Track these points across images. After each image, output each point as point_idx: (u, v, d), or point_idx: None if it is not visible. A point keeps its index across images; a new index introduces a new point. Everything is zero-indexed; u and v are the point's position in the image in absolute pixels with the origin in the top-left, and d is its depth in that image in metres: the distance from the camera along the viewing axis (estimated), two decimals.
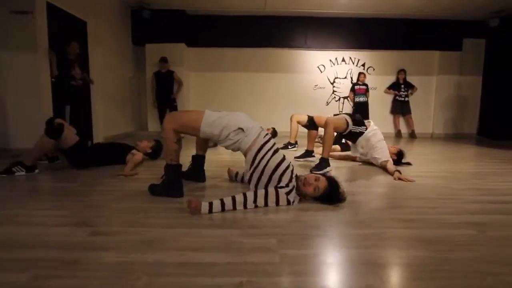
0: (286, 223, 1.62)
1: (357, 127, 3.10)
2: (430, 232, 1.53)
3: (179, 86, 6.41)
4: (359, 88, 6.85)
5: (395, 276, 1.12)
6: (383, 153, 3.12)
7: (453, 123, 7.25)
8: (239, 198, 1.77)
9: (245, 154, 2.00)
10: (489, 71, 6.91)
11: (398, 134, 7.10)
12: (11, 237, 1.39)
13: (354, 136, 3.19)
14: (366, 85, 6.87)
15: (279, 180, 1.89)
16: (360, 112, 6.88)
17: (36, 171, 2.69)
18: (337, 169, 3.06)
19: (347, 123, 3.03)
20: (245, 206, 1.78)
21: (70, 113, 4.33)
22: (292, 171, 1.96)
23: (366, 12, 6.48)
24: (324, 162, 2.84)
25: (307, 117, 4.07)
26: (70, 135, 2.77)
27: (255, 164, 1.93)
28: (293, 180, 1.93)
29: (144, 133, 6.75)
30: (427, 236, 1.47)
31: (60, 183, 2.47)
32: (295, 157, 3.44)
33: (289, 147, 4.49)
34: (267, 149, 1.93)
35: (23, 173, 2.60)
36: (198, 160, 2.43)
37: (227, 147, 2.02)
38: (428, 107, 7.25)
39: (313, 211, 1.81)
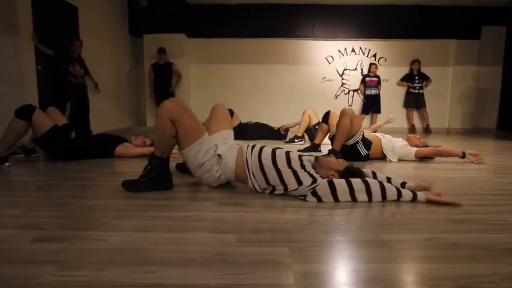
0: (298, 226, 1.23)
1: (362, 146, 2.69)
2: (490, 237, 1.13)
3: (178, 79, 6.07)
4: (370, 80, 6.43)
5: None
6: (407, 146, 2.77)
7: (471, 117, 6.79)
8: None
9: (236, 178, 1.68)
10: (510, 61, 6.43)
11: (412, 129, 6.64)
12: None
13: (355, 155, 2.70)
14: (378, 77, 6.45)
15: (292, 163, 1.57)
16: (371, 105, 6.48)
17: (7, 164, 2.33)
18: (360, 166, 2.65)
19: (360, 131, 2.67)
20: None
21: (71, 110, 4.12)
22: (299, 157, 1.61)
23: None
24: (334, 153, 2.44)
25: (320, 119, 3.67)
26: (44, 121, 2.42)
27: (251, 172, 1.63)
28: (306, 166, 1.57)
29: (142, 128, 6.41)
30: (488, 243, 1.07)
31: (31, 177, 2.11)
32: (299, 150, 3.03)
33: (296, 140, 4.11)
34: (252, 153, 1.65)
35: None
36: None
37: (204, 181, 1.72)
38: (444, 100, 6.79)
39: (331, 208, 1.42)
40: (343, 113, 2.58)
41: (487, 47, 6.58)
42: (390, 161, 2.76)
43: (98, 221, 1.25)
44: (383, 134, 2.98)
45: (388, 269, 0.90)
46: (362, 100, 6.63)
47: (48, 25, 3.94)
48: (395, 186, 1.54)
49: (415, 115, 6.74)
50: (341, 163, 1.67)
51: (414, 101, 6.57)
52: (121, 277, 0.82)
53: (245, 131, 4.36)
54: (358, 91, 6.70)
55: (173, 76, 6.08)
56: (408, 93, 6.63)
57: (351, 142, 2.64)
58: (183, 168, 2.06)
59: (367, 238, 1.11)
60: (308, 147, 3.25)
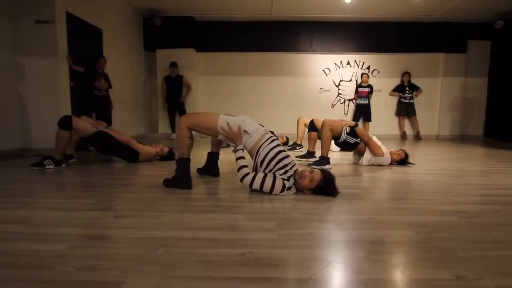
0: (285, 210, 1.80)
1: (350, 137, 3.19)
2: (416, 218, 1.68)
3: (188, 90, 6.66)
4: (361, 91, 6.98)
5: (380, 249, 1.28)
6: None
7: (459, 124, 7.31)
8: (246, 171, 2.07)
9: (249, 152, 2.21)
10: (495, 73, 6.96)
11: (403, 136, 7.18)
12: (47, 219, 1.60)
13: (349, 146, 3.26)
14: (370, 86, 6.99)
15: (278, 164, 2.11)
16: (362, 113, 7.03)
17: (63, 165, 2.94)
18: (338, 166, 3.21)
19: (343, 129, 3.17)
20: (242, 178, 2.06)
21: (96, 119, 4.71)
22: (292, 162, 2.15)
23: (370, 15, 6.63)
24: (323, 160, 2.99)
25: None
26: (85, 125, 3.04)
27: (257, 158, 2.14)
28: (293, 168, 2.13)
29: (154, 134, 7.02)
30: (413, 221, 1.63)
31: (85, 177, 2.70)
32: (297, 157, 3.60)
33: (297, 148, 4.65)
34: (267, 144, 2.16)
35: (52, 166, 2.87)
36: (213, 156, 2.65)
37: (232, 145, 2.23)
38: (434, 109, 7.32)
39: (312, 201, 1.98)
40: (323, 125, 3.11)
41: (473, 60, 7.11)
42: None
43: (149, 206, 1.82)
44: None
45: (351, 233, 1.45)
46: (345, 108, 7.22)
47: (78, 46, 4.56)
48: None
49: (406, 123, 7.27)
50: (312, 183, 2.04)
51: (405, 110, 7.11)
52: (177, 234, 1.39)
53: None
54: (353, 100, 7.24)
55: (183, 87, 6.68)
56: (399, 103, 7.17)
57: (341, 139, 3.19)
58: (203, 171, 2.64)
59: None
60: (304, 154, 3.72)
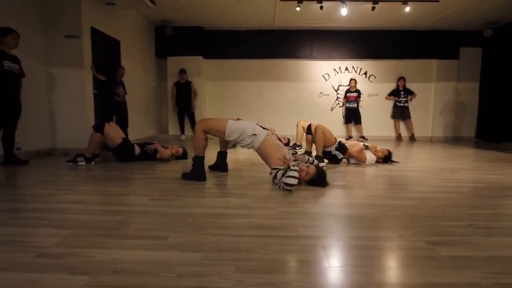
0: (283, 196, 2.27)
1: (339, 152, 3.64)
2: (383, 201, 2.14)
3: (194, 96, 7.15)
4: (350, 96, 7.42)
5: (352, 220, 1.74)
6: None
7: (452, 127, 7.72)
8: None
9: (257, 151, 2.69)
10: (486, 78, 7.36)
11: (398, 138, 7.61)
12: (99, 201, 2.09)
13: (334, 159, 3.67)
14: (358, 91, 7.43)
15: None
16: (352, 117, 7.47)
17: (93, 163, 3.44)
18: (331, 165, 3.67)
19: (335, 142, 3.62)
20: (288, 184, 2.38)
21: (116, 122, 5.22)
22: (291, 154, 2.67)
23: (368, 25, 7.08)
24: (318, 158, 3.46)
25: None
26: (114, 134, 3.54)
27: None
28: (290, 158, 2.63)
29: (164, 136, 7.53)
30: (380, 203, 2.09)
31: (114, 172, 3.19)
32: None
33: (297, 148, 5.11)
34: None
35: (84, 163, 3.37)
36: (222, 155, 3.14)
37: (243, 146, 2.76)
38: (427, 112, 7.74)
39: (306, 190, 2.45)
40: (316, 129, 3.58)
41: (465, 66, 7.53)
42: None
43: (175, 193, 2.30)
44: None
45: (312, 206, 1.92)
46: (343, 112, 7.66)
47: (100, 56, 5.08)
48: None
49: (402, 125, 7.70)
50: (307, 176, 2.50)
51: (400, 113, 7.55)
52: (199, 211, 1.87)
53: None
54: (342, 105, 7.69)
55: (191, 92, 7.18)
56: (395, 106, 7.60)
57: (327, 149, 3.65)
58: (214, 167, 3.13)
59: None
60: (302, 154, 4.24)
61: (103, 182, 2.74)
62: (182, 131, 7.20)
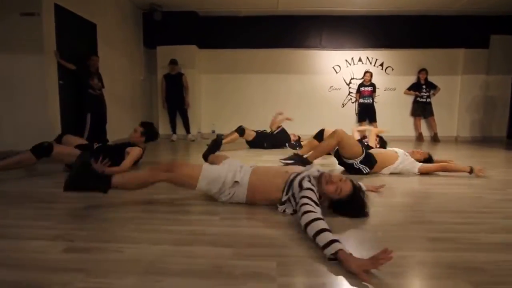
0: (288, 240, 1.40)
1: (364, 166, 2.75)
2: (465, 256, 1.26)
3: (186, 91, 6.29)
4: (364, 90, 6.51)
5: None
6: (413, 163, 2.87)
7: (480, 125, 6.78)
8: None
9: (247, 198, 1.83)
10: None
11: (419, 138, 6.70)
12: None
13: (353, 171, 2.76)
14: (373, 85, 6.52)
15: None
16: (366, 113, 6.55)
17: None
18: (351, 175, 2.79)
19: (362, 153, 2.71)
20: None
21: (91, 120, 4.41)
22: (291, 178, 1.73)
23: (385, 9, 6.16)
24: (300, 159, 2.66)
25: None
26: (67, 150, 2.67)
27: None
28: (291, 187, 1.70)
29: None
30: (461, 261, 1.21)
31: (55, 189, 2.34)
32: (281, 159, 3.09)
33: (297, 148, 4.31)
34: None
35: None
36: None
37: (222, 200, 1.87)
38: (452, 108, 6.81)
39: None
40: (333, 133, 2.70)
41: (496, 56, 6.58)
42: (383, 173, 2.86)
43: (116, 233, 1.45)
44: (398, 150, 2.96)
45: (357, 284, 1.05)
46: (357, 108, 6.74)
47: (69, 42, 4.24)
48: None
49: (423, 124, 6.78)
50: (338, 193, 1.61)
51: (421, 110, 6.62)
52: (137, 285, 1.01)
53: (263, 141, 4.64)
54: (355, 100, 6.77)
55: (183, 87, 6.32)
56: (415, 102, 6.68)
57: (349, 162, 2.75)
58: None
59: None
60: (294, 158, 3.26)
61: (17, 208, 1.88)
62: (174, 131, 6.35)
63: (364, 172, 2.76)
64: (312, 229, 1.27)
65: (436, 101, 6.65)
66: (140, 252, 1.25)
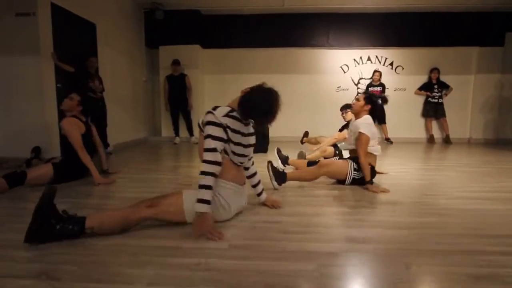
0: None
1: (357, 173, 2.63)
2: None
3: (188, 92, 6.10)
4: (373, 91, 6.24)
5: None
6: None
7: (494, 127, 6.52)
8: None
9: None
10: None
11: (430, 139, 6.46)
12: None
13: (357, 182, 2.66)
14: (382, 85, 6.27)
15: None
16: (375, 115, 6.28)
17: None
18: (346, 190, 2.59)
19: (348, 171, 2.62)
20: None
21: (91, 122, 4.23)
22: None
23: (394, 5, 5.91)
24: (280, 176, 2.52)
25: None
26: (37, 173, 2.53)
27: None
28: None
29: (157, 138, 6.51)
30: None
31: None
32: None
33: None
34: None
35: None
36: None
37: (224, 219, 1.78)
38: (465, 109, 6.55)
39: None
40: (319, 165, 2.64)
41: (511, 55, 6.30)
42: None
43: (110, 270, 1.26)
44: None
45: None
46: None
47: (67, 43, 4.06)
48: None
49: (434, 125, 6.53)
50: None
51: (433, 111, 6.37)
52: None
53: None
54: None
55: (186, 88, 6.12)
56: (426, 103, 6.43)
57: (349, 181, 2.65)
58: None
59: None
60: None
61: None
62: (177, 133, 6.17)
63: (358, 177, 2.65)
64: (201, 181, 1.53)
65: (448, 102, 6.39)
66: None
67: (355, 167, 2.62)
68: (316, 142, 4.64)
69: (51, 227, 1.38)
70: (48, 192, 1.44)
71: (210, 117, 1.64)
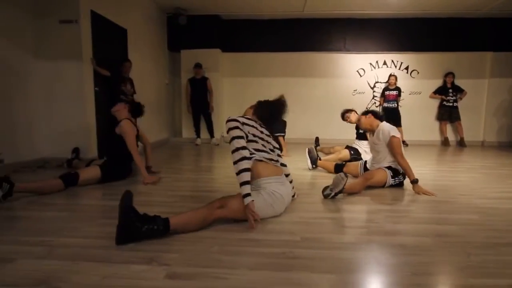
0: None
1: (397, 177, 2.78)
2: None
3: (210, 95, 6.28)
4: (389, 94, 6.40)
5: None
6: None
7: (508, 130, 6.66)
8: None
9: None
10: None
11: (445, 142, 6.60)
12: None
13: (397, 185, 2.83)
14: (398, 89, 6.42)
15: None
16: (390, 118, 6.42)
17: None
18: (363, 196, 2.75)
19: (387, 177, 2.74)
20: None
21: None
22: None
23: (410, 11, 6.08)
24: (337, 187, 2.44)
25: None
26: (88, 174, 2.71)
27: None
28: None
29: (178, 139, 6.69)
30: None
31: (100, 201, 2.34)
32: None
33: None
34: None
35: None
36: None
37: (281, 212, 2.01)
38: (479, 113, 6.70)
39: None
40: (365, 178, 2.69)
41: None
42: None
43: (206, 256, 1.42)
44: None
45: None
46: (381, 112, 6.62)
47: (103, 47, 4.24)
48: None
49: (449, 128, 6.68)
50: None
51: (448, 114, 6.51)
52: None
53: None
54: (379, 104, 6.67)
55: (208, 91, 6.30)
56: (441, 106, 6.58)
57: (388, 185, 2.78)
58: None
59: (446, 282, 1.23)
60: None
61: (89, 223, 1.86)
62: (198, 134, 6.34)
63: (403, 180, 2.80)
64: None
65: (462, 105, 6.54)
66: (246, 279, 1.22)
67: (391, 174, 2.77)
68: (328, 152, 4.71)
69: (138, 230, 1.50)
70: (125, 197, 1.57)
71: (229, 125, 1.88)
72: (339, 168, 3.32)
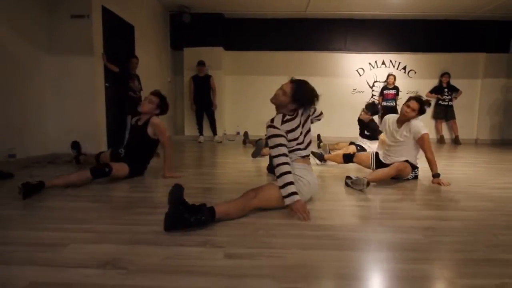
0: None
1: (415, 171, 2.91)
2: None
3: (213, 93, 6.32)
4: (387, 93, 6.59)
5: None
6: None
7: (500, 128, 6.94)
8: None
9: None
10: None
11: (440, 140, 6.82)
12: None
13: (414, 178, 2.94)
14: (396, 88, 6.61)
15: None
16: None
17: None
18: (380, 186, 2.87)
19: (410, 168, 2.85)
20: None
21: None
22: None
23: (408, 13, 6.27)
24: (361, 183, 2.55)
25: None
26: (119, 168, 2.62)
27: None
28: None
29: (180, 137, 6.70)
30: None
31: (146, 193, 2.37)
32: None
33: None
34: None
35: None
36: None
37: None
38: (472, 111, 6.95)
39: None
40: (393, 168, 2.76)
41: None
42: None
43: (256, 239, 1.49)
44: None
45: None
46: (380, 112, 6.80)
47: (113, 43, 4.24)
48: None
49: (444, 126, 6.90)
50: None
51: (443, 113, 6.74)
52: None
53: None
54: (378, 103, 6.84)
55: (211, 88, 6.33)
56: (437, 105, 6.80)
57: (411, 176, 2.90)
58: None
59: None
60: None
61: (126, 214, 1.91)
62: (201, 132, 6.37)
63: (417, 168, 2.92)
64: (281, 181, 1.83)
65: (456, 104, 6.78)
66: (300, 258, 1.29)
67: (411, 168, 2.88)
68: (333, 148, 4.79)
69: (186, 221, 1.55)
70: (176, 190, 1.64)
71: (272, 132, 1.90)
72: (348, 157, 3.42)
